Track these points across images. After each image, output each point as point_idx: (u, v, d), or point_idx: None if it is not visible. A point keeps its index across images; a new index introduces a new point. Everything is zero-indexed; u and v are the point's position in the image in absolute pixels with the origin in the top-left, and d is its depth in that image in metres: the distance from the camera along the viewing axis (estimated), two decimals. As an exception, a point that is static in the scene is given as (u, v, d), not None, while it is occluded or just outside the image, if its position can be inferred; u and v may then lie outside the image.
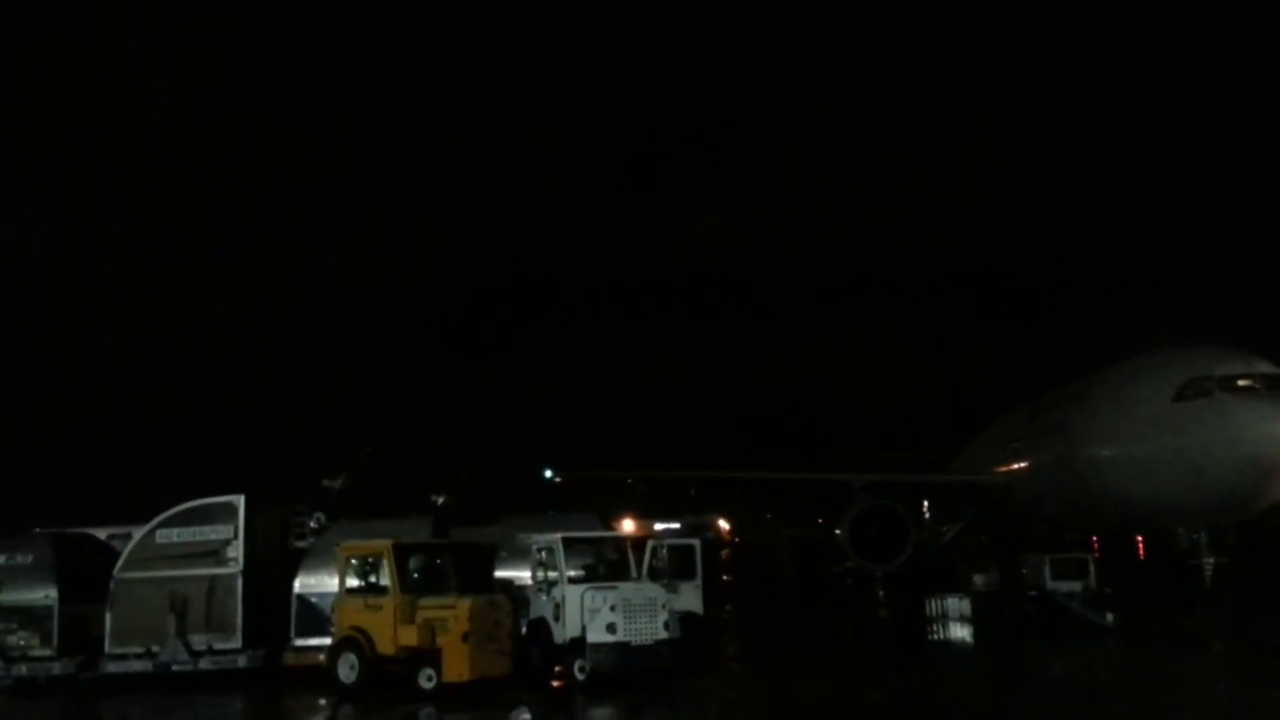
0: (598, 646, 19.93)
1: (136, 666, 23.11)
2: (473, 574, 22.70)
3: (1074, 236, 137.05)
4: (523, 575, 23.13)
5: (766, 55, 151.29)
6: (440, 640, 20.16)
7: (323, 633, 22.86)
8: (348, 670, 20.87)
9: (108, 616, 23.50)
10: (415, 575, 21.79)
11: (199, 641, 23.16)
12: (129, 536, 25.78)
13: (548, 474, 45.09)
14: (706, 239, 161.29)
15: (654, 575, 22.28)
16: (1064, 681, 21.17)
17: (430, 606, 20.73)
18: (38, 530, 28.54)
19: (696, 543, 26.57)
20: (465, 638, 19.99)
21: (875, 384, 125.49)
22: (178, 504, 24.37)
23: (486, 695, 19.59)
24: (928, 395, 66.63)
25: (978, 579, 40.32)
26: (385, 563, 21.32)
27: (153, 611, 23.23)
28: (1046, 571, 27.60)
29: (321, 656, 21.95)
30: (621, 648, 19.89)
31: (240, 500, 24.11)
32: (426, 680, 20.07)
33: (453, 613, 20.31)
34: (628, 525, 43.60)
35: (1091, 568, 27.80)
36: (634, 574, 21.78)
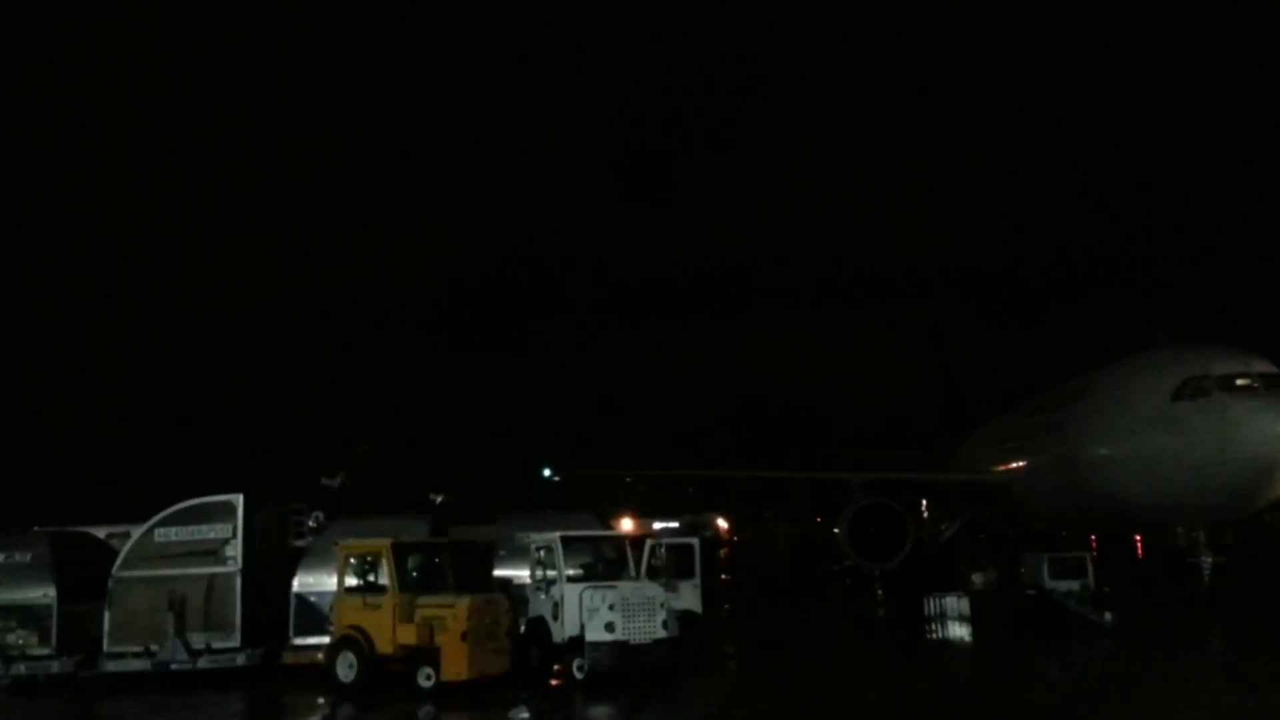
0: (596, 645, 19.93)
1: (135, 665, 23.10)
2: (471, 573, 22.72)
3: (1073, 235, 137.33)
4: (521, 574, 23.14)
5: (767, 56, 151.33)
6: (439, 639, 20.16)
7: (321, 631, 22.86)
8: (346, 669, 20.87)
9: (106, 615, 23.50)
10: (414, 574, 21.79)
11: (198, 640, 23.17)
12: (128, 535, 25.76)
13: (546, 473, 45.15)
14: (704, 239, 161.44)
15: (652, 574, 22.27)
16: (1062, 680, 21.16)
17: (429, 605, 20.72)
18: (36, 529, 28.52)
19: (695, 542, 26.52)
20: (464, 637, 19.99)
21: (873, 382, 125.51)
22: (176, 503, 24.37)
23: (485, 694, 19.57)
24: (926, 394, 66.65)
25: (976, 578, 40.32)
26: (384, 562, 21.32)
27: (151, 610, 23.26)
28: (1045, 570, 27.55)
29: (320, 655, 21.95)
30: (620, 646, 19.89)
31: (239, 499, 24.11)
32: (425, 679, 20.06)
33: (451, 612, 20.31)
34: (626, 524, 43.68)
35: (1090, 566, 27.75)
36: (632, 573, 21.79)
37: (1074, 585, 27.24)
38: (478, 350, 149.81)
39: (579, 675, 20.17)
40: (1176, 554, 30.71)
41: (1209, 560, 29.45)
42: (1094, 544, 44.97)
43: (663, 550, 23.69)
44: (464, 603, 20.40)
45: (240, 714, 21.09)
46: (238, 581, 23.53)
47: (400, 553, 21.57)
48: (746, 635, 30.53)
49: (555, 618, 20.87)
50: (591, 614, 20.12)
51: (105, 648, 23.38)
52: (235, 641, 23.23)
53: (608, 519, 31.59)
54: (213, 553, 23.77)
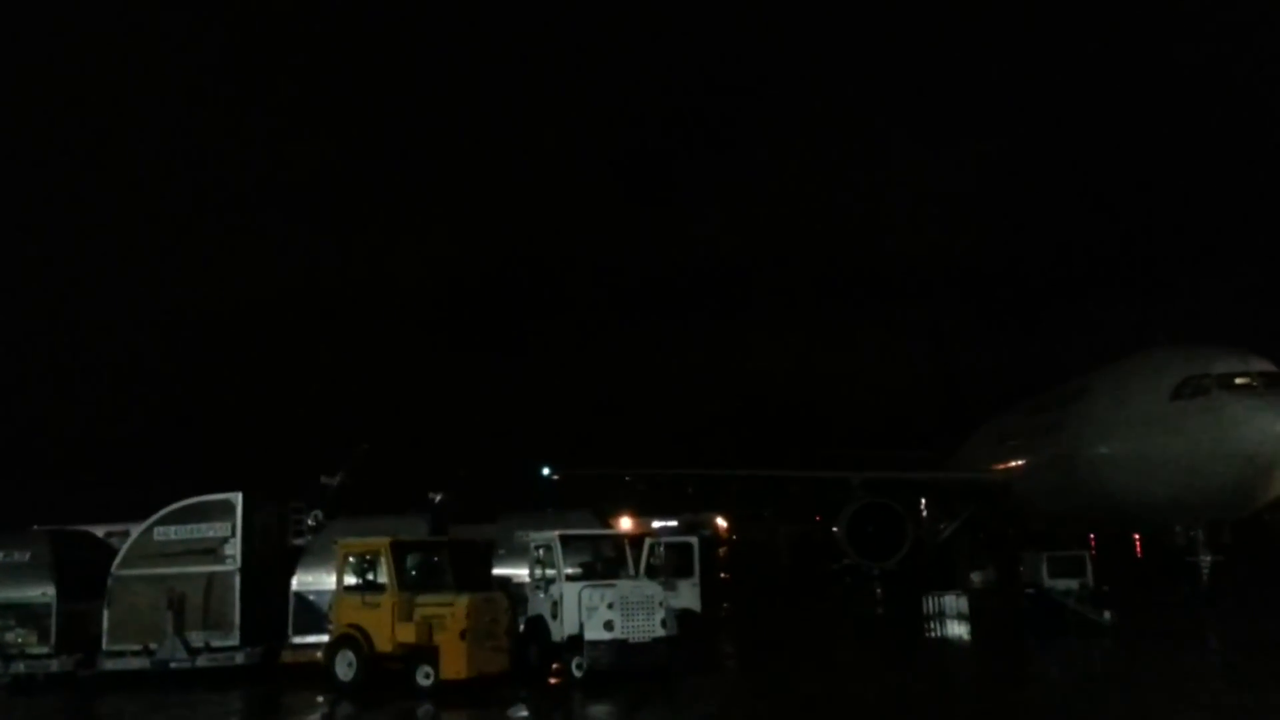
0: (595, 644, 19.93)
1: (134, 664, 23.09)
2: (470, 572, 22.71)
3: (1072, 235, 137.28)
4: (520, 573, 23.13)
5: (766, 56, 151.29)
6: (438, 638, 20.14)
7: (320, 630, 22.85)
8: (345, 668, 20.86)
9: (105, 614, 23.48)
10: (413, 573, 21.78)
11: (197, 639, 23.15)
12: (127, 534, 25.72)
13: (545, 471, 45.15)
14: (704, 239, 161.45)
15: (651, 573, 22.25)
16: (1061, 679, 21.16)
17: (428, 604, 20.71)
18: (35, 527, 28.51)
19: (694, 540, 26.52)
20: (463, 635, 19.98)
21: (873, 382, 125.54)
22: (175, 501, 24.35)
23: (484, 693, 19.58)
24: (926, 394, 66.62)
25: (975, 576, 40.32)
26: (383, 560, 21.31)
27: (150, 609, 23.25)
28: (1044, 569, 27.55)
29: (319, 654, 21.94)
30: (619, 645, 19.89)
31: (238, 498, 24.07)
32: (424, 678, 20.05)
33: (450, 610, 20.30)
34: (625, 523, 43.60)
35: (1089, 565, 27.74)
36: (631, 572, 21.78)
37: (1073, 584, 27.24)
38: (478, 350, 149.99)
39: (578, 674, 20.17)
40: (1175, 553, 30.72)
41: (1208, 559, 29.44)
42: (1093, 543, 44.94)
43: (662, 549, 23.67)
44: (463, 601, 20.39)
45: (239, 713, 21.07)
46: (237, 580, 23.50)
47: (399, 551, 21.55)
48: (745, 634, 30.53)
49: (554, 616, 20.87)
50: (590, 613, 20.11)
51: (104, 646, 23.37)
52: (234, 640, 23.21)
53: (607, 518, 31.54)
54: (212, 551, 23.75)
